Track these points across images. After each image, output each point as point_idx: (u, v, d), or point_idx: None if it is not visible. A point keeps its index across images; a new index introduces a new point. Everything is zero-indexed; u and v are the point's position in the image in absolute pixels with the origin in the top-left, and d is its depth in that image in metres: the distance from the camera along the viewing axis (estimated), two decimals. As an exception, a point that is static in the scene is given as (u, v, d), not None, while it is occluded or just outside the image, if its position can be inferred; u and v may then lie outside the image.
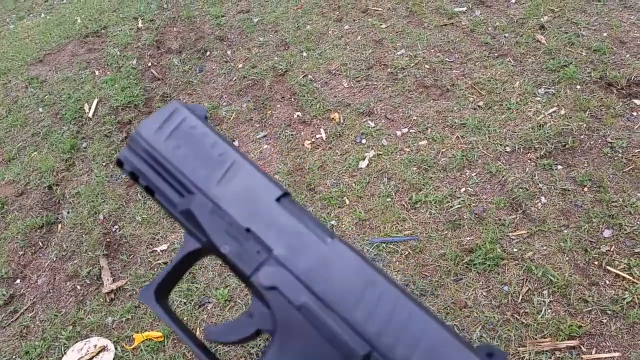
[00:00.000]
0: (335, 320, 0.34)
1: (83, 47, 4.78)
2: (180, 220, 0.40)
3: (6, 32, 5.53)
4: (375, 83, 3.49)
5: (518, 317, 2.10)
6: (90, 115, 3.82)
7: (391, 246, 2.45)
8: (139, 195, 3.10)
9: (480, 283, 2.24)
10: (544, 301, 2.13)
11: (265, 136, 3.30)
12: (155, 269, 2.65)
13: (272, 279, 0.35)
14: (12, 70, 4.65)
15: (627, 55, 3.21)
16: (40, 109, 4.01)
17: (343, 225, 2.61)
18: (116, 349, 2.33)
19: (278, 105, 3.52)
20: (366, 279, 0.35)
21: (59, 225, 3.02)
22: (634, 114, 2.83)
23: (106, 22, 5.10)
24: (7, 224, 3.10)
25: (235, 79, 3.88)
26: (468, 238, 2.43)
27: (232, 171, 0.40)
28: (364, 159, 2.95)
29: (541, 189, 2.57)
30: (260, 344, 2.17)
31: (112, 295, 2.57)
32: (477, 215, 2.52)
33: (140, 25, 4.91)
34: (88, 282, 2.67)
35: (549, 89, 3.13)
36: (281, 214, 0.38)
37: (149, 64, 4.30)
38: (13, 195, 3.29)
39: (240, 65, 4.01)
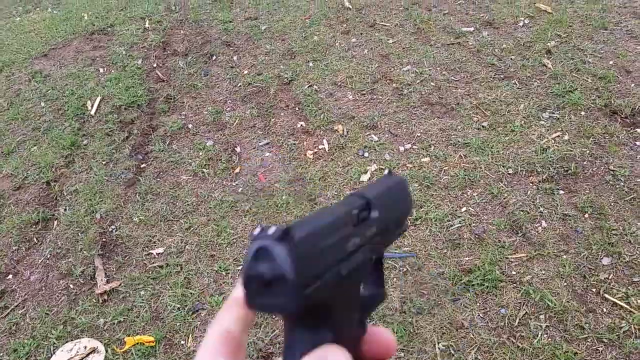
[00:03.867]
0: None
1: (89, 44, 4.77)
2: None
3: (12, 24, 5.52)
4: (380, 97, 3.50)
5: (514, 341, 2.09)
6: (92, 112, 3.81)
7: (389, 262, 2.44)
8: (137, 196, 3.08)
9: (478, 304, 2.23)
10: (540, 326, 2.12)
11: (267, 144, 3.30)
12: (151, 272, 2.63)
13: None
14: (16, 63, 4.64)
15: (632, 85, 3.23)
16: (43, 104, 3.99)
17: (342, 238, 2.59)
18: (107, 351, 2.30)
19: (282, 114, 3.52)
20: None
21: (55, 222, 3.00)
22: (638, 143, 2.84)
23: (113, 21, 5.10)
24: (3, 217, 3.08)
25: (240, 85, 3.87)
26: (467, 258, 2.42)
27: None
28: (366, 172, 2.95)
29: (542, 212, 2.57)
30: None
31: (105, 297, 2.54)
32: (477, 236, 2.52)
33: (147, 25, 4.91)
34: (81, 281, 2.64)
35: (554, 113, 3.14)
36: None
37: (154, 65, 4.30)
38: (10, 189, 3.26)
39: (245, 72, 4.01)
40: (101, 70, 4.33)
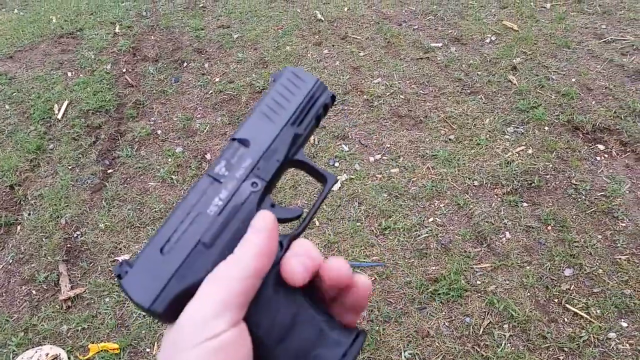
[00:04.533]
0: None
1: (57, 47, 4.69)
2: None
3: (-24, 25, 5.39)
4: (351, 108, 3.54)
5: (478, 350, 2.13)
6: (59, 116, 3.74)
7: (358, 271, 2.46)
8: (103, 201, 3.03)
9: (444, 313, 2.27)
10: (504, 335, 2.17)
11: (237, 152, 3.29)
12: (116, 279, 2.59)
13: None
14: (-21, 64, 4.53)
15: (593, 102, 3.34)
16: (7, 106, 3.90)
17: (311, 247, 2.61)
18: (69, 358, 2.26)
19: (253, 122, 3.52)
20: None
21: (19, 227, 2.93)
22: (598, 158, 2.94)
23: (82, 25, 5.03)
24: (-37, 221, 2.99)
25: (212, 92, 3.86)
26: (434, 267, 2.46)
27: None
28: (336, 182, 2.97)
29: (506, 224, 2.64)
30: None
31: (69, 303, 2.49)
32: (443, 246, 2.56)
33: (117, 30, 4.86)
34: (45, 287, 2.59)
35: (518, 128, 3.22)
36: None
37: (124, 70, 4.25)
38: (-29, 192, 3.17)
39: (217, 79, 4.00)
40: (69, 74, 4.26)
